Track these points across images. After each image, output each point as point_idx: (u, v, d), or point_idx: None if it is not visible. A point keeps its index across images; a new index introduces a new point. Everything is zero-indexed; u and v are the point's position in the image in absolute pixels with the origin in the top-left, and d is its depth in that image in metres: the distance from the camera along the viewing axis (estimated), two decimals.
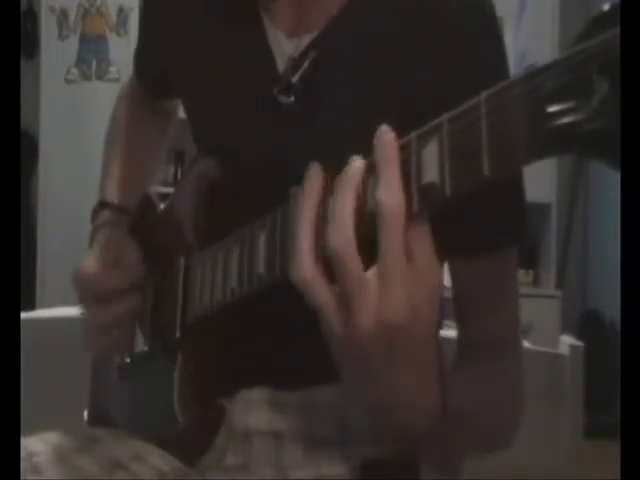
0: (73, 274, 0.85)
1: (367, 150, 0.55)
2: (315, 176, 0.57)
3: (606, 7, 0.41)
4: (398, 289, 0.51)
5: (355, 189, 0.54)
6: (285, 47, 0.78)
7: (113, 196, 0.96)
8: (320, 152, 0.59)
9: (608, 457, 1.65)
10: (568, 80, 0.42)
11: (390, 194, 0.51)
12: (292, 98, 0.76)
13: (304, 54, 0.76)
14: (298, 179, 0.58)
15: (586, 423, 1.17)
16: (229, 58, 0.81)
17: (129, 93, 1.07)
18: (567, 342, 1.15)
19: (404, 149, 0.53)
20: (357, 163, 0.55)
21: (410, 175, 0.51)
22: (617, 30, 0.40)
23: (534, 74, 0.44)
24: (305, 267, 0.54)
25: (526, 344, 1.21)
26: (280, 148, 0.78)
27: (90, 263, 0.85)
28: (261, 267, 0.65)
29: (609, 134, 0.41)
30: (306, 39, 0.77)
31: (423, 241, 0.52)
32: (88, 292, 0.84)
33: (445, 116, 0.50)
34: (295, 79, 0.76)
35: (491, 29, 0.74)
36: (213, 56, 0.83)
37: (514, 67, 0.72)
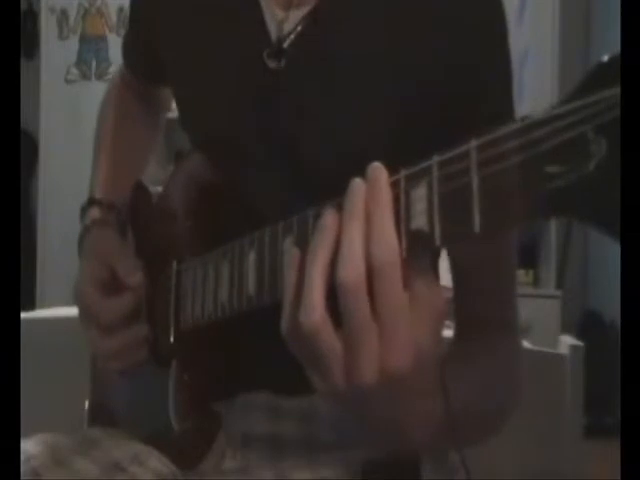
0: (74, 297, 0.81)
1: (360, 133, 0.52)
2: (330, 213, 0.51)
3: (605, 59, 0.38)
4: (401, 332, 0.48)
5: (360, 221, 0.49)
6: (280, 20, 0.77)
7: (101, 192, 0.94)
8: (312, 135, 0.57)
9: (608, 457, 1.65)
10: (564, 139, 0.39)
11: (383, 244, 0.48)
12: (282, 63, 0.75)
13: (298, 24, 0.76)
14: (286, 169, 0.57)
15: (586, 423, 1.17)
16: (222, 35, 0.80)
17: (119, 83, 1.05)
18: (567, 342, 1.15)
19: (392, 187, 0.49)
20: (359, 188, 0.49)
21: (399, 215, 0.49)
22: (617, 89, 0.37)
23: (528, 128, 0.41)
24: (317, 311, 0.49)
25: (526, 344, 1.21)
26: (268, 132, 0.76)
27: (88, 286, 0.81)
28: (251, 289, 0.62)
29: (607, 200, 0.38)
30: (301, 11, 0.76)
31: (421, 271, 0.50)
32: (93, 322, 0.80)
33: (435, 159, 0.47)
34: (286, 44, 0.75)
35: (494, 23, 0.76)
36: (205, 35, 0.81)
37: (515, 66, 0.73)
